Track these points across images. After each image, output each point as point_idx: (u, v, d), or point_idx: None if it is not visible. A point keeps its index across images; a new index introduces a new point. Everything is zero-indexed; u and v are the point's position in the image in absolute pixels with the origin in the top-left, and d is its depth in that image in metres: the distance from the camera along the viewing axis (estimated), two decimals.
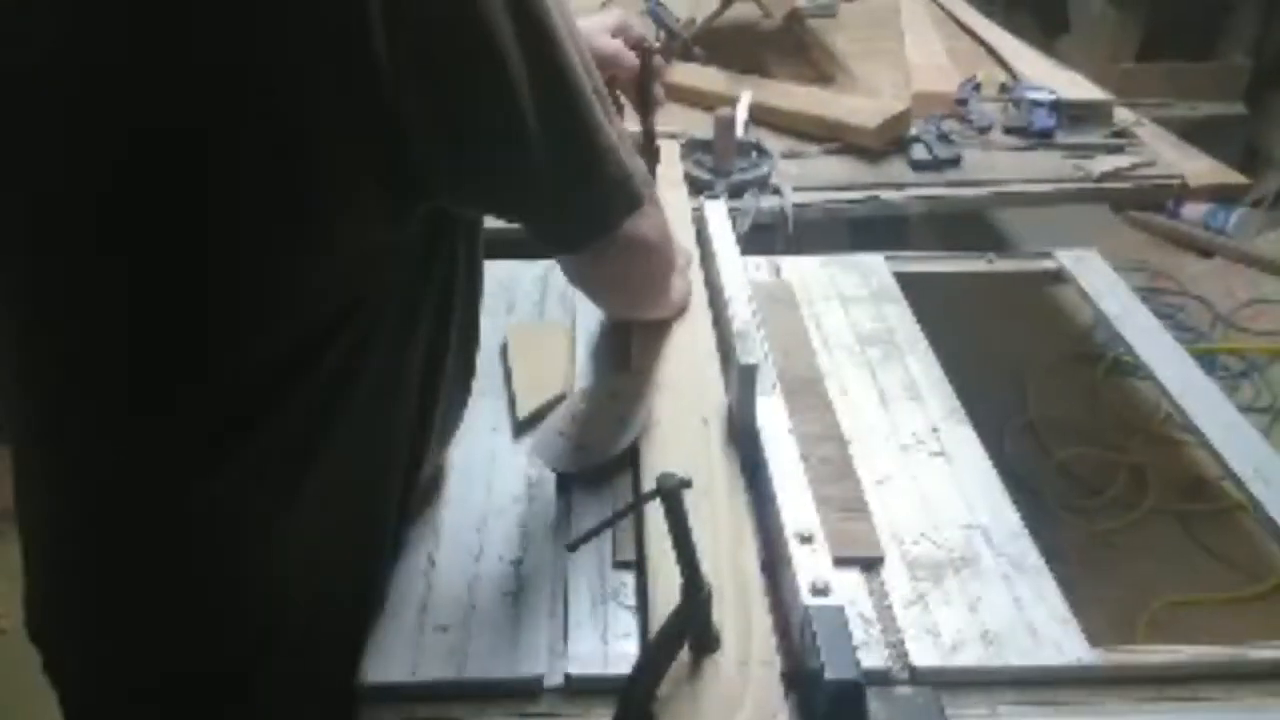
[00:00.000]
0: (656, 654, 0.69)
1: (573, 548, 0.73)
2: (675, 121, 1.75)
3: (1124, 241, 2.80)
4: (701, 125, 1.67)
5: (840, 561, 0.81)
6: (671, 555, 0.68)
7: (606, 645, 0.77)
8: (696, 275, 1.17)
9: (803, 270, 1.30)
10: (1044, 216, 2.11)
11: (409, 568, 0.83)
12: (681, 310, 1.10)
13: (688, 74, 1.93)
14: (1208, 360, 2.28)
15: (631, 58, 1.03)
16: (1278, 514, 0.93)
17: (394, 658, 0.75)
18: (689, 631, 0.71)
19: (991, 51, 2.12)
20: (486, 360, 1.09)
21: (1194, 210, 2.86)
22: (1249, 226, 2.82)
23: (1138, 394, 2.12)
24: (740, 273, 1.14)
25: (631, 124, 1.20)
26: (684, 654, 0.71)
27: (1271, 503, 0.94)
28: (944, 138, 1.68)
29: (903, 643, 0.77)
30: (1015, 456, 1.77)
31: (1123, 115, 1.82)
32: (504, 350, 1.11)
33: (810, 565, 0.76)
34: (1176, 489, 1.91)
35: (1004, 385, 2.00)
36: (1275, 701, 0.74)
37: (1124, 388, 2.18)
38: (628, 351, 1.08)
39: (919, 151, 1.64)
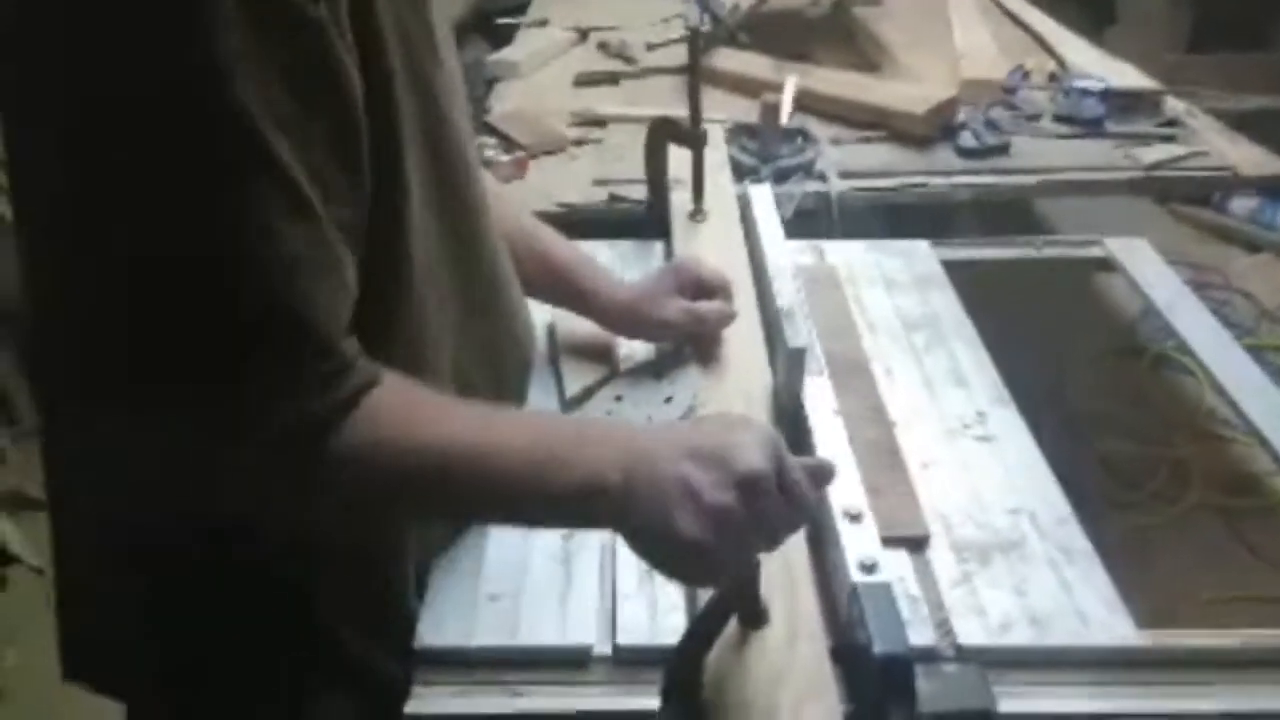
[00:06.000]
0: (704, 626, 0.70)
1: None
2: (721, 107, 1.76)
3: (1170, 235, 2.77)
4: (747, 111, 1.68)
5: (887, 541, 0.81)
6: None
7: (655, 618, 0.78)
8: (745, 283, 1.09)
9: (847, 255, 1.30)
10: (1089, 209, 2.09)
11: (464, 538, 0.84)
12: None
13: (734, 60, 1.93)
14: (1253, 356, 2.25)
15: (696, 323, 1.00)
16: None
17: (450, 623, 0.76)
18: (736, 606, 0.72)
19: (1039, 40, 2.10)
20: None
21: (1242, 205, 2.82)
22: None
23: (1181, 388, 2.10)
24: (785, 256, 1.14)
25: (680, 110, 1.21)
26: (731, 628, 0.72)
27: None
28: (992, 125, 1.67)
29: (949, 621, 0.77)
30: (1055, 448, 1.76)
31: (1173, 105, 1.80)
32: (551, 330, 1.12)
33: (858, 543, 0.76)
34: (1220, 485, 1.89)
35: (1046, 376, 1.99)
36: None
37: (1167, 381, 2.16)
38: None
39: (966, 139, 1.63)
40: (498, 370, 0.84)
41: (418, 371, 0.67)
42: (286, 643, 0.72)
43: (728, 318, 1.03)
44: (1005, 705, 0.71)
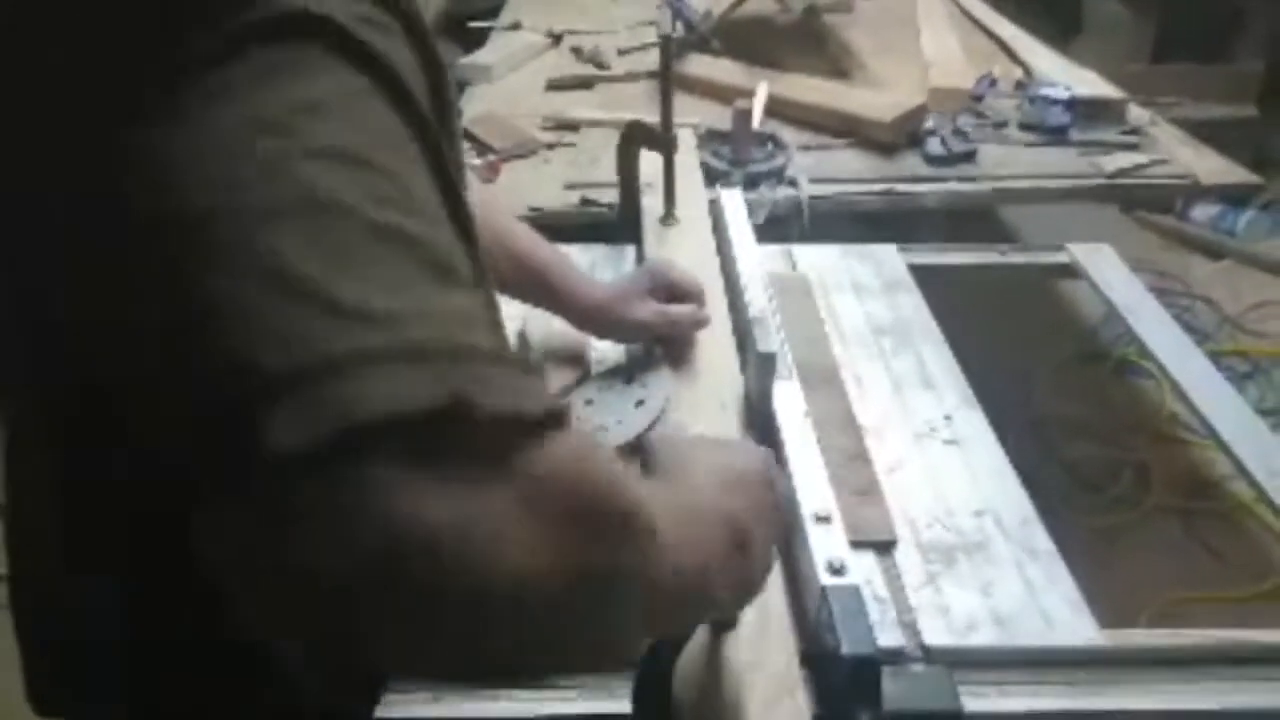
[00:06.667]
0: None
1: None
2: (692, 113, 1.76)
3: (1133, 242, 2.81)
4: (718, 117, 1.69)
5: (855, 544, 0.82)
6: None
7: None
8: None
9: (817, 260, 1.31)
10: (1054, 216, 2.12)
11: None
12: None
13: (705, 66, 1.94)
14: (1213, 361, 2.29)
15: (668, 325, 1.01)
16: None
17: None
18: None
19: (1006, 48, 2.13)
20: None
21: (1203, 213, 2.87)
22: (1258, 230, 2.83)
23: (1143, 392, 2.14)
24: (756, 261, 1.15)
25: (652, 115, 1.22)
26: (702, 630, 0.73)
27: None
28: (959, 133, 1.69)
29: (916, 623, 0.79)
30: (1019, 452, 1.79)
31: (1137, 114, 1.83)
32: (522, 332, 1.12)
33: (827, 545, 0.77)
34: (1179, 488, 1.93)
35: (1011, 380, 2.02)
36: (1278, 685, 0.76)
37: (1130, 386, 2.19)
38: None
39: (934, 146, 1.65)
40: None
41: None
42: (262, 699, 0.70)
43: (701, 321, 1.04)
44: (970, 705, 0.73)
